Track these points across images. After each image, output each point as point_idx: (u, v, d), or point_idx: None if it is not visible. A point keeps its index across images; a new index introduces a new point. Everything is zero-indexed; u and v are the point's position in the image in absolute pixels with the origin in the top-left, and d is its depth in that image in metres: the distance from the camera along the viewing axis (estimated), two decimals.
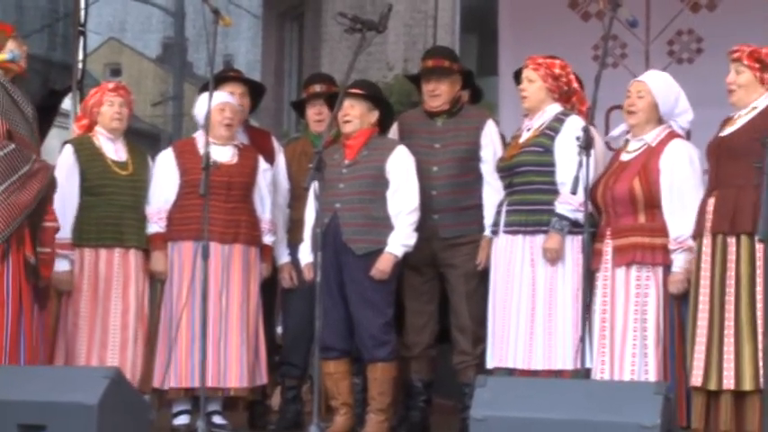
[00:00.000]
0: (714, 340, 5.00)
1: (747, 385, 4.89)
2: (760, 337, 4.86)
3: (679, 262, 5.22)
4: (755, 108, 5.11)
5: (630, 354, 5.20)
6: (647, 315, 5.22)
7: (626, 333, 5.23)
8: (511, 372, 5.45)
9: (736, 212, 4.97)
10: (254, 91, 6.49)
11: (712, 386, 4.96)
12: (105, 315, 5.93)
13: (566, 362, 5.39)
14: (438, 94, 5.97)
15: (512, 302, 5.52)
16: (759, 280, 4.88)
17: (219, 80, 6.24)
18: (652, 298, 5.23)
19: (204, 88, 6.06)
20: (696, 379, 5.00)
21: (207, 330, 5.58)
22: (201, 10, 5.53)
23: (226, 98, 6.04)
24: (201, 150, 5.65)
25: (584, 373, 5.04)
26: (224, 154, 5.92)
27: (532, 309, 5.47)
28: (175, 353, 5.85)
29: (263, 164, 6.10)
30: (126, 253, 5.98)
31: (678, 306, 5.25)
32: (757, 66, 5.09)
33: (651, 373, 5.16)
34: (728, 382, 4.93)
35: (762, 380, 4.79)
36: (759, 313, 4.87)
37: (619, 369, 5.21)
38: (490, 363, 5.59)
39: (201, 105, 5.98)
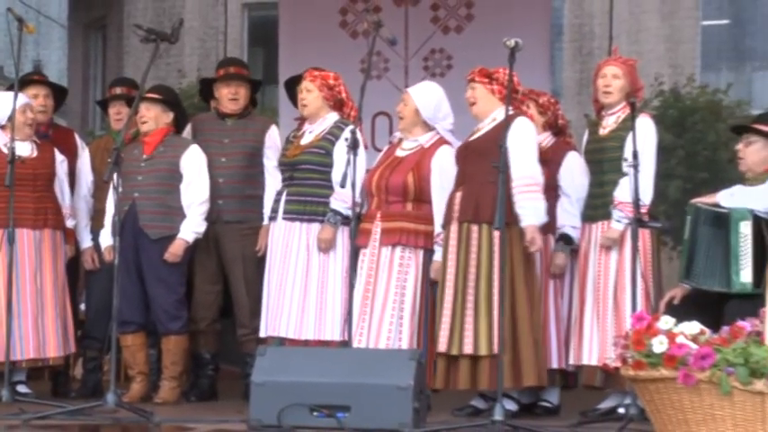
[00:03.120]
0: (457, 313, 5.25)
1: (483, 350, 5.12)
2: (495, 312, 5.13)
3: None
4: (495, 119, 5.36)
5: (388, 324, 5.37)
6: (405, 291, 5.40)
7: (385, 305, 5.40)
8: (282, 341, 5.56)
9: (479, 205, 5.23)
10: (58, 93, 6.42)
11: (454, 351, 5.18)
12: None
13: (334, 333, 5.53)
14: (238, 98, 6.09)
15: (287, 280, 5.65)
16: (495, 262, 5.15)
17: (25, 82, 6.23)
18: (411, 276, 5.43)
19: (10, 89, 5.92)
20: (442, 346, 5.20)
21: (25, 308, 5.62)
22: (8, 18, 5.49)
23: (28, 101, 6.01)
24: (1, 147, 5.52)
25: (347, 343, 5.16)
26: (25, 149, 5.87)
27: (305, 286, 5.61)
28: None
29: (59, 156, 6.14)
30: None
31: (432, 285, 5.44)
32: (486, 80, 5.39)
33: (404, 342, 5.36)
34: (468, 348, 5.16)
35: (495, 346, 5.06)
36: (495, 291, 5.13)
37: (375, 337, 5.37)
38: (263, 332, 5.72)
39: (3, 105, 5.85)
